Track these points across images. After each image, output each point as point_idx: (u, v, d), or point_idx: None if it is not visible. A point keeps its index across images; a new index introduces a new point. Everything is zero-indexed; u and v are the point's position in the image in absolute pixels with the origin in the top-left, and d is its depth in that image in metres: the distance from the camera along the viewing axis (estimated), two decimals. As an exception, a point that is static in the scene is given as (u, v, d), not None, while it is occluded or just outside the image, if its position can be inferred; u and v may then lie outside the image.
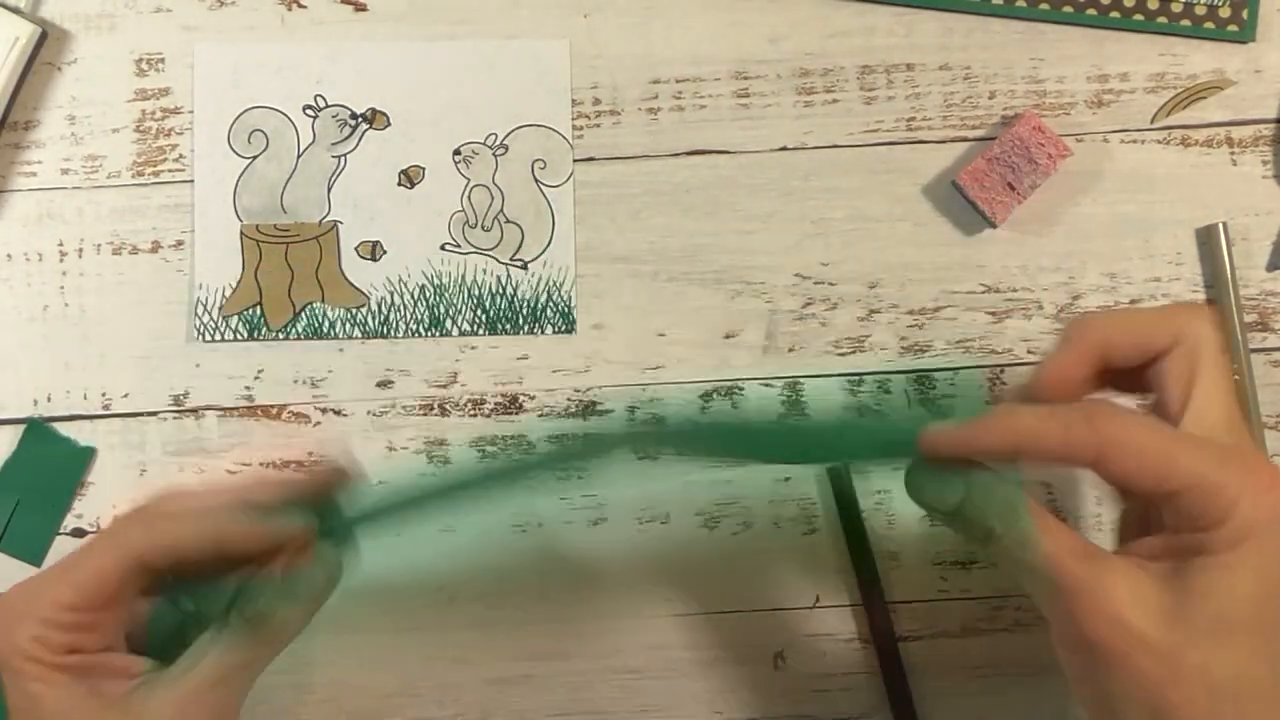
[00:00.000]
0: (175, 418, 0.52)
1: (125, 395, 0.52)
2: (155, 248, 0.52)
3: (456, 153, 0.53)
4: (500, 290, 0.52)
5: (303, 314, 0.52)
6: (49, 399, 0.52)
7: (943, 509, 0.39)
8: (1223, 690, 0.35)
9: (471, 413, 0.52)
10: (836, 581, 0.52)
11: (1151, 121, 0.53)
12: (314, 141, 0.53)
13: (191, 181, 0.52)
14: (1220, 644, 0.35)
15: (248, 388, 0.52)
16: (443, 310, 0.52)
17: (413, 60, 0.53)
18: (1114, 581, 0.36)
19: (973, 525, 0.38)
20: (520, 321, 0.52)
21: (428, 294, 0.52)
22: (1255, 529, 0.35)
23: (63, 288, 0.52)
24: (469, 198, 0.53)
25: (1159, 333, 0.39)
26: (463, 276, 0.52)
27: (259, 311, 0.52)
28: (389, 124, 0.53)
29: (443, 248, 0.53)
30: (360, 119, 0.53)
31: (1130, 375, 0.41)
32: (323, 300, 0.52)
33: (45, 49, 0.52)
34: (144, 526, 0.40)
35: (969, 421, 0.38)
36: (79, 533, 0.51)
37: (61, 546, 0.51)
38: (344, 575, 0.42)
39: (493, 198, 0.53)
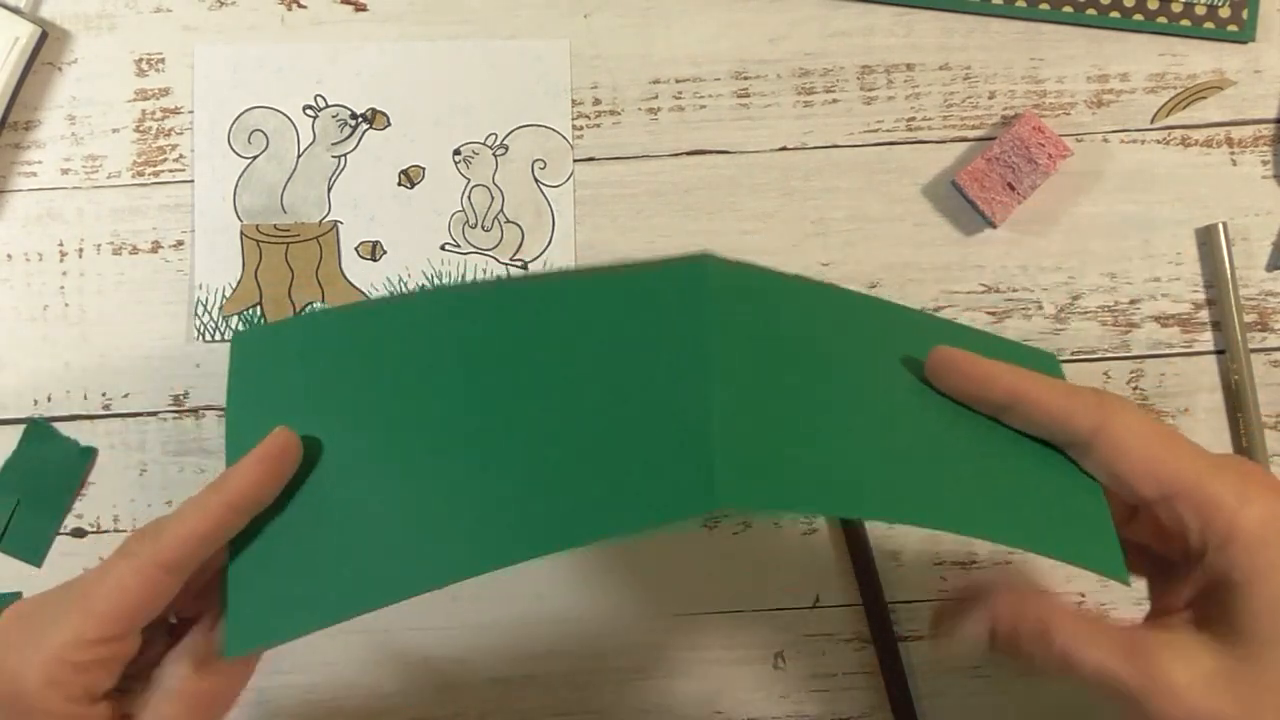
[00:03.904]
0: (175, 418, 0.52)
1: (125, 395, 0.52)
2: (155, 248, 0.52)
3: (456, 153, 0.53)
4: (500, 290, 0.52)
5: (303, 314, 0.52)
6: (49, 399, 0.52)
7: (978, 651, 0.37)
8: None
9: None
10: (836, 581, 0.52)
11: (1151, 121, 0.53)
12: (314, 141, 0.53)
13: (191, 181, 0.53)
14: None
15: (248, 388, 0.52)
16: (443, 310, 0.52)
17: (413, 60, 0.53)
18: (1173, 671, 0.34)
19: (1013, 657, 0.36)
20: (520, 321, 0.52)
21: (428, 294, 0.52)
22: (1265, 545, 0.33)
23: (63, 288, 0.52)
24: (469, 198, 0.53)
25: None
26: (463, 276, 0.52)
27: (259, 311, 0.52)
28: (389, 124, 0.53)
29: (443, 248, 0.53)
30: (360, 119, 0.53)
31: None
32: (323, 300, 0.52)
33: (45, 49, 0.52)
34: (151, 534, 0.37)
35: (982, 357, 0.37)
36: (79, 533, 0.51)
37: (61, 546, 0.51)
38: None
39: (493, 198, 0.53)
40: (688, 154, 0.53)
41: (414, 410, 0.41)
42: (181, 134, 0.53)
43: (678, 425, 0.36)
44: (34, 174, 0.53)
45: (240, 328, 0.52)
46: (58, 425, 0.52)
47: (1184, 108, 0.53)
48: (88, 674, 0.36)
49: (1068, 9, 0.53)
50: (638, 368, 0.38)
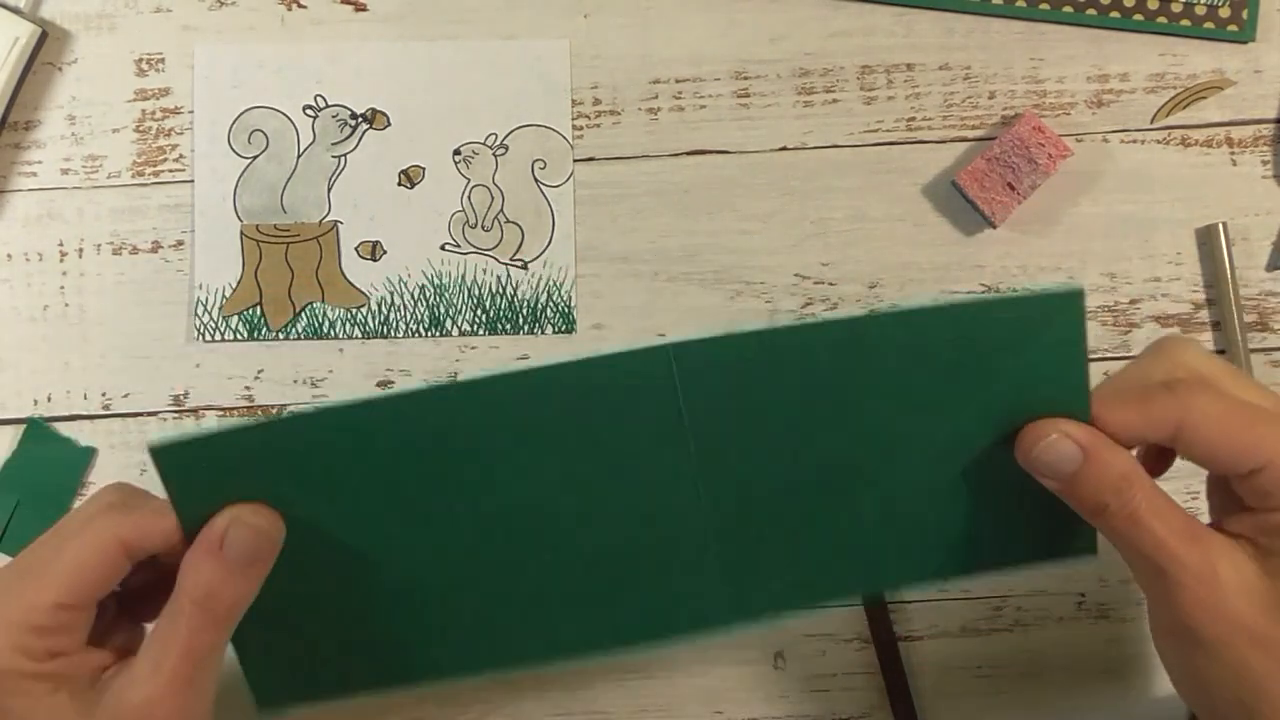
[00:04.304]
0: (175, 418, 0.52)
1: (125, 395, 0.52)
2: (155, 248, 0.52)
3: (456, 153, 0.53)
4: (500, 290, 0.52)
5: (303, 314, 0.52)
6: (49, 399, 0.52)
7: (1057, 477, 0.38)
8: None
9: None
10: (836, 581, 0.52)
11: (1151, 121, 0.53)
12: (314, 141, 0.53)
13: (191, 181, 0.53)
14: None
15: (248, 388, 0.52)
16: (443, 310, 0.52)
17: (413, 60, 0.53)
18: (1220, 567, 0.36)
19: (1085, 497, 0.38)
20: (520, 321, 0.52)
21: (428, 294, 0.52)
22: None
23: (63, 288, 0.52)
24: (469, 198, 0.53)
25: (1256, 453, 0.37)
26: (463, 276, 0.52)
27: (259, 311, 0.52)
28: (389, 124, 0.53)
29: (443, 248, 0.53)
30: (360, 119, 0.53)
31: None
32: (323, 300, 0.52)
33: (45, 49, 0.52)
34: (125, 515, 0.39)
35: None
36: (79, 533, 0.51)
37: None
38: (280, 533, 0.39)
39: (493, 198, 0.53)
40: (688, 154, 0.53)
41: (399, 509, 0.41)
42: (181, 134, 0.53)
43: (680, 548, 0.41)
44: (34, 174, 0.53)
45: (240, 328, 0.52)
46: (58, 425, 0.52)
47: (1184, 108, 0.53)
48: (50, 637, 0.37)
49: (1068, 9, 0.53)
50: (626, 474, 0.40)
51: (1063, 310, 0.39)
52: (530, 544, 0.41)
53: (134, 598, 0.41)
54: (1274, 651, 0.35)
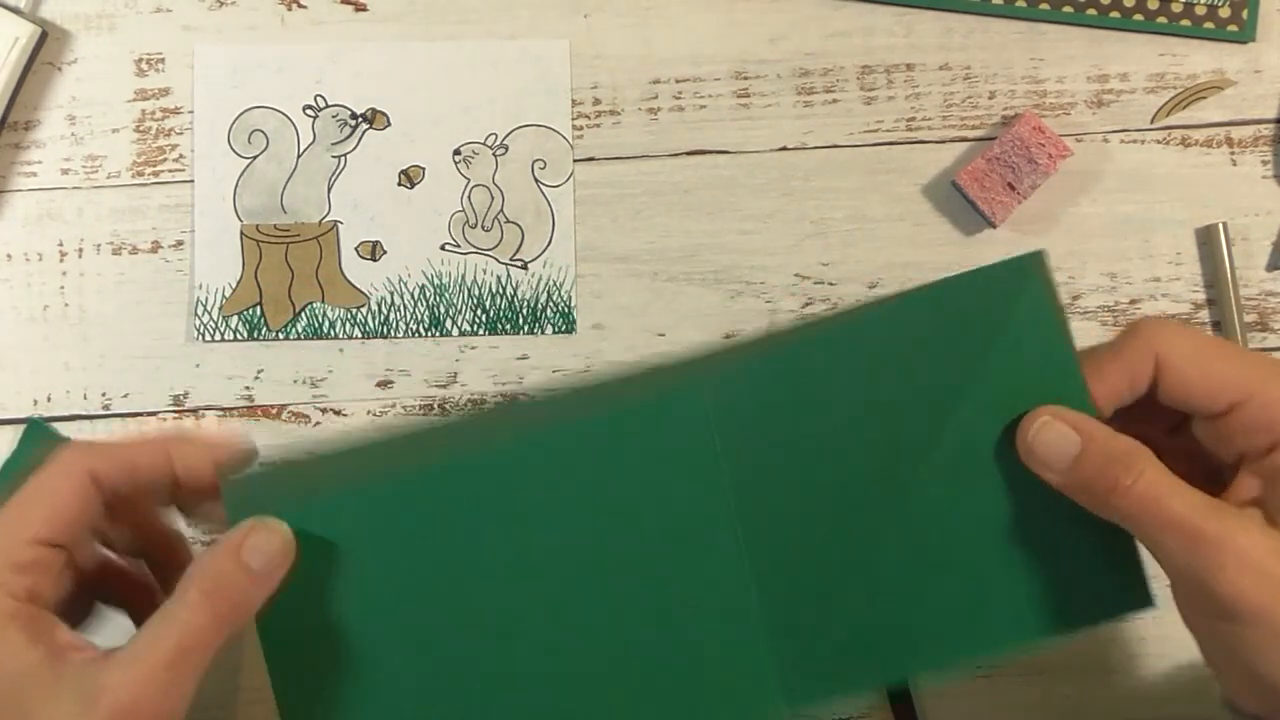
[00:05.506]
0: (175, 418, 0.52)
1: (125, 395, 0.52)
2: (155, 248, 0.52)
3: (456, 153, 0.53)
4: (500, 290, 0.52)
5: (303, 314, 0.52)
6: (49, 399, 0.52)
7: (1060, 464, 0.37)
8: None
9: (472, 413, 0.52)
10: (836, 581, 0.52)
11: (1151, 121, 0.53)
12: (314, 141, 0.53)
13: (191, 181, 0.53)
14: None
15: (248, 388, 0.52)
16: (443, 310, 0.52)
17: (413, 60, 0.53)
18: (1250, 533, 0.35)
19: (1093, 478, 0.37)
20: (520, 321, 0.52)
21: (428, 294, 0.52)
22: None
23: (63, 288, 0.52)
24: (469, 198, 0.53)
25: (1233, 385, 0.37)
26: (463, 276, 0.52)
27: (259, 311, 0.52)
28: (389, 124, 0.53)
29: (443, 248, 0.53)
30: (360, 119, 0.53)
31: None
32: (323, 300, 0.52)
33: (45, 49, 0.52)
34: (91, 448, 0.39)
35: None
36: (79, 533, 0.51)
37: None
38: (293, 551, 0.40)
39: (493, 198, 0.53)
40: (688, 154, 0.53)
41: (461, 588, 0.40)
42: (181, 134, 0.53)
43: (727, 637, 0.40)
44: (34, 174, 0.53)
45: (240, 328, 0.52)
46: (58, 425, 0.52)
47: (1184, 108, 0.53)
48: (30, 575, 0.37)
49: (1068, 9, 0.53)
50: (669, 545, 0.40)
51: (1028, 275, 0.39)
52: (563, 635, 0.40)
53: (92, 583, 0.41)
54: None
